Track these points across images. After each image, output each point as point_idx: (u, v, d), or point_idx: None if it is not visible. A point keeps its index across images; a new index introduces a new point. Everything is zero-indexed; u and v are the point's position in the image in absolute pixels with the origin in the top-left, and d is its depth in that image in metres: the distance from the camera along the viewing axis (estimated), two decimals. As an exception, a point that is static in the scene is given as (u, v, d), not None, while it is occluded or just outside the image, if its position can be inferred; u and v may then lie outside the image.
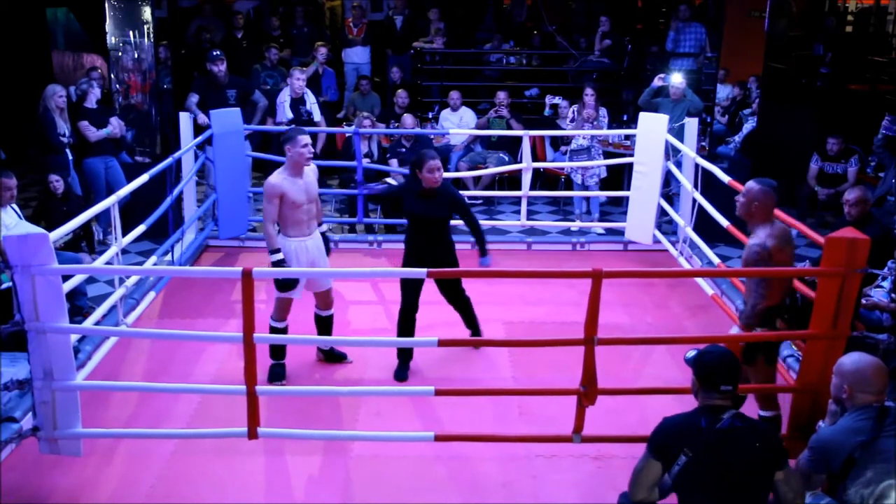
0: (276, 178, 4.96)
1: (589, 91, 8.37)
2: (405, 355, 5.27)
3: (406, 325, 5.24)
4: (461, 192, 8.73)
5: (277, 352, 5.18)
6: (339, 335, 5.69)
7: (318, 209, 5.24)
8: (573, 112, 8.70)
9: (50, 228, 4.60)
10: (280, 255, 4.92)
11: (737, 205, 4.14)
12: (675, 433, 3.16)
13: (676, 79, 8.26)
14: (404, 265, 5.27)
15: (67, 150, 7.42)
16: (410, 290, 5.23)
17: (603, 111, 8.59)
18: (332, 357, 5.44)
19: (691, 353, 3.36)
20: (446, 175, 8.03)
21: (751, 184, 4.12)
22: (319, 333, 5.30)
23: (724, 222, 5.98)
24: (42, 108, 7.35)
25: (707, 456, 3.08)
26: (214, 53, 7.98)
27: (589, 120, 8.29)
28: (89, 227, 7.26)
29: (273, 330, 5.14)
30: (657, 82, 8.32)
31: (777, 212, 4.17)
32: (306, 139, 4.98)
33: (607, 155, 8.66)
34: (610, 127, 8.86)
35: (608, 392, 4.13)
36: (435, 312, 6.21)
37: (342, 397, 4.87)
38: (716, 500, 3.11)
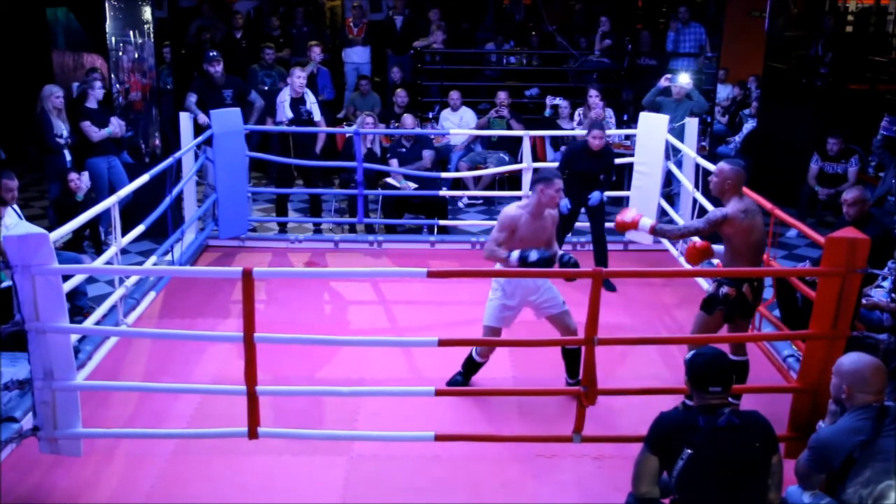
0: (515, 210, 4.71)
1: (593, 93, 8.37)
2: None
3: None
4: (461, 192, 8.84)
5: (470, 370, 5.03)
6: (338, 335, 5.69)
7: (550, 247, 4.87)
8: (579, 115, 8.70)
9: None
10: (516, 254, 4.60)
11: (710, 184, 4.59)
12: (673, 430, 3.21)
13: (684, 79, 8.25)
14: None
15: (66, 152, 7.34)
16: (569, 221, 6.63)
17: (609, 112, 8.57)
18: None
19: (689, 354, 3.41)
20: (446, 175, 8.14)
21: (722, 164, 4.57)
22: (567, 365, 4.98)
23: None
24: (39, 109, 7.25)
25: (708, 453, 3.12)
26: (211, 54, 7.98)
27: (597, 121, 8.29)
28: (96, 227, 7.27)
29: (470, 361, 4.99)
30: (663, 83, 8.31)
31: (783, 214, 4.24)
32: (561, 184, 4.72)
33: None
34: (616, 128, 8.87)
35: (608, 392, 4.13)
36: (435, 312, 6.23)
37: (342, 397, 4.86)
38: (718, 495, 3.13)
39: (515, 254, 4.59)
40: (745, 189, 4.57)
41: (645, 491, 3.23)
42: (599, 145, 6.47)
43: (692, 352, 3.39)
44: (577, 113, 8.87)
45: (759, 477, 3.18)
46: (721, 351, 3.34)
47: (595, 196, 6.56)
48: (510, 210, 4.74)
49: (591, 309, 3.86)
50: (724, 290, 4.48)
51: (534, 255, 4.57)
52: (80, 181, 6.76)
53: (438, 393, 4.17)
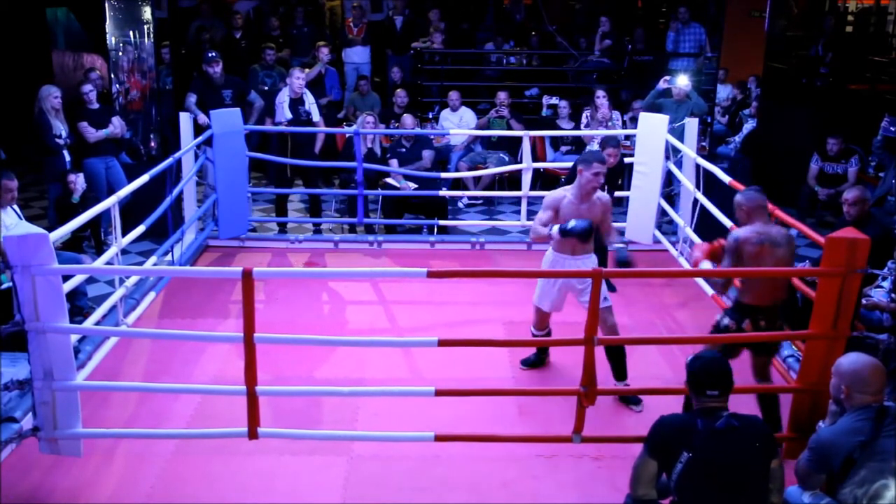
0: (560, 192, 4.87)
1: (600, 93, 8.39)
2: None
3: None
4: (461, 192, 8.85)
5: (541, 349, 5.32)
6: (338, 335, 5.68)
7: (607, 231, 5.00)
8: (586, 116, 8.71)
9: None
10: (556, 228, 4.74)
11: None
12: (672, 433, 3.20)
13: (682, 81, 8.25)
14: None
15: (65, 152, 7.32)
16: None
17: (616, 114, 8.59)
18: (626, 400, 4.87)
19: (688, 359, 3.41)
20: (446, 175, 8.14)
21: (736, 197, 4.37)
22: (613, 366, 4.89)
23: (725, 222, 5.97)
24: (37, 110, 7.20)
25: (706, 456, 3.11)
26: (210, 55, 7.98)
27: (604, 122, 8.31)
28: (97, 227, 7.26)
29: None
30: (662, 84, 8.31)
31: (783, 214, 4.22)
32: (601, 168, 4.78)
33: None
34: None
35: (608, 392, 4.14)
36: (435, 312, 6.23)
37: (342, 397, 4.86)
38: (717, 498, 3.13)
39: (555, 228, 4.73)
40: (778, 213, 4.47)
41: (643, 493, 3.24)
42: (613, 163, 6.42)
43: (690, 356, 3.38)
44: (584, 115, 8.88)
45: (758, 479, 3.16)
46: (719, 355, 3.34)
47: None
48: (555, 192, 4.91)
49: (592, 309, 3.87)
50: (725, 321, 4.33)
51: (571, 224, 4.70)
52: (77, 182, 6.74)
53: (438, 393, 4.17)
